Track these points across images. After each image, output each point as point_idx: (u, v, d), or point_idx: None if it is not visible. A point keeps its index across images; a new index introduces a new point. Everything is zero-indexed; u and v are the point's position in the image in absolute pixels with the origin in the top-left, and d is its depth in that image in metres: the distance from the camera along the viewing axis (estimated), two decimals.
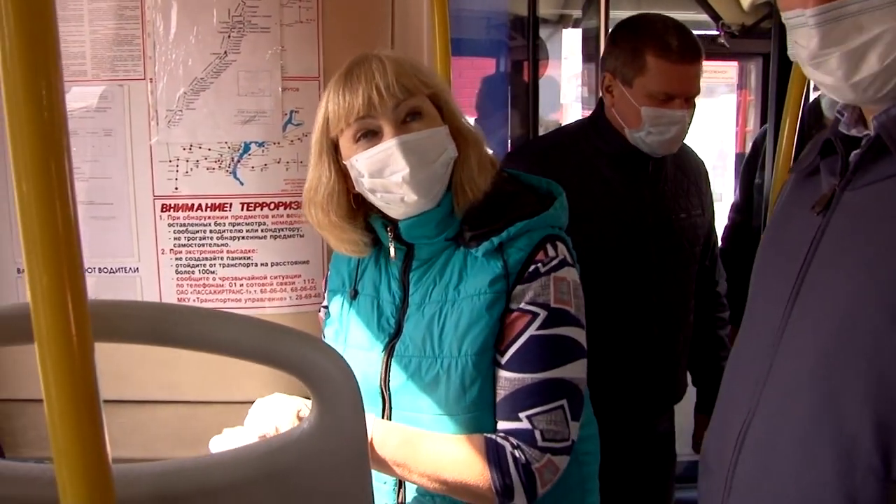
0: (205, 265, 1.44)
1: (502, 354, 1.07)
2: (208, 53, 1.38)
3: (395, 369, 1.13)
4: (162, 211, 1.42)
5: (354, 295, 1.19)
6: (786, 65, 1.61)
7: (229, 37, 1.37)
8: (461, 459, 1.05)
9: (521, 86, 3.12)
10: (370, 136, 1.07)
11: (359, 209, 1.16)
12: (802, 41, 0.79)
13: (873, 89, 0.77)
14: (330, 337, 1.23)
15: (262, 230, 1.43)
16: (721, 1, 2.98)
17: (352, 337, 1.19)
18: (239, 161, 1.41)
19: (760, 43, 3.06)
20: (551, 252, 1.10)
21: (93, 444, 0.55)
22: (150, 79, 1.39)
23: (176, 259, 1.44)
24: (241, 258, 1.44)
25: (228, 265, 1.44)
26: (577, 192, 1.25)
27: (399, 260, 1.15)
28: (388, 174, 1.06)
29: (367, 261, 1.20)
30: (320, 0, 1.39)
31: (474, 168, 1.11)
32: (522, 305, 1.07)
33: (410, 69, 1.08)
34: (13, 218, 1.43)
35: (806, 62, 0.80)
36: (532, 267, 1.08)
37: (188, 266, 1.44)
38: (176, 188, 1.41)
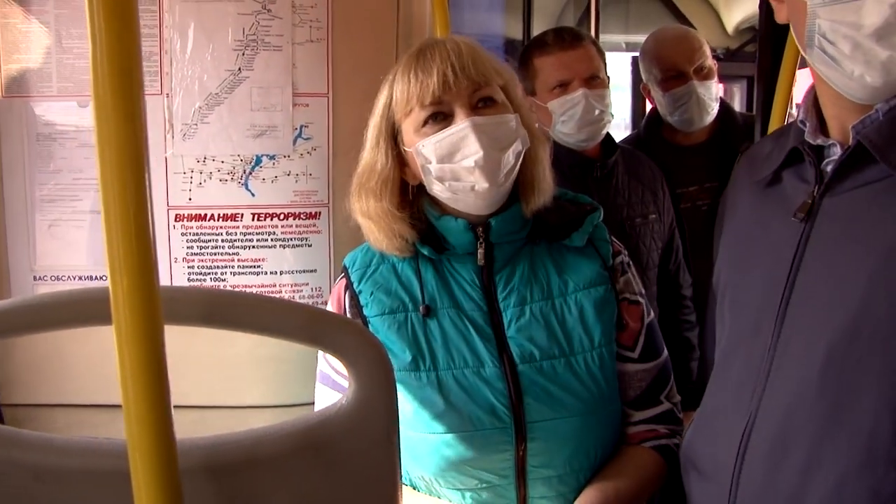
0: (216, 273, 1.49)
1: (632, 349, 1.10)
2: (223, 70, 1.44)
3: (526, 377, 1.04)
4: (175, 221, 1.47)
5: (427, 312, 1.07)
6: (770, 87, 1.69)
7: (243, 54, 1.44)
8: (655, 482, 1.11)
9: None
10: (440, 119, 1.03)
11: (412, 205, 1.11)
12: None
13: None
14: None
15: (271, 239, 1.49)
16: (706, 26, 3.09)
17: (444, 358, 1.05)
18: (251, 173, 1.47)
19: (745, 66, 3.17)
20: (616, 242, 1.17)
21: (160, 415, 0.61)
22: (167, 94, 1.44)
23: (188, 267, 1.49)
24: (251, 266, 1.49)
25: (239, 273, 1.49)
26: None
27: (475, 263, 1.08)
28: (459, 158, 1.01)
29: (426, 273, 1.09)
30: (330, 21, 1.46)
31: (546, 166, 1.11)
32: (631, 296, 1.13)
33: (485, 55, 1.05)
34: (31, 228, 1.48)
35: None
36: (619, 258, 1.14)
37: (200, 274, 1.49)
38: (189, 199, 1.47)
